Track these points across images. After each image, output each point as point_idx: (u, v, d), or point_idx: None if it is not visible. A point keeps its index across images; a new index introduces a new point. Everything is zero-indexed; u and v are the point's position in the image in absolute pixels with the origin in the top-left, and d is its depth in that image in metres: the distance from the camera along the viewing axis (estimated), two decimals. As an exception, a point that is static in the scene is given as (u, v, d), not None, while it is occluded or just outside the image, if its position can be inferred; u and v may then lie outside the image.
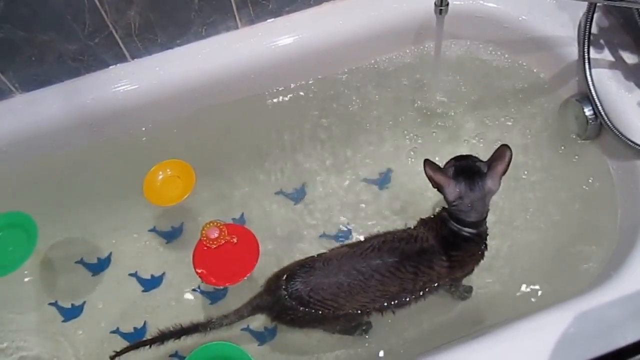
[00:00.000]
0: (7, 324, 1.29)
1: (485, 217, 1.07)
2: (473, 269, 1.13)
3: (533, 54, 1.43)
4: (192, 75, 1.39)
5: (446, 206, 1.07)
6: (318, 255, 1.12)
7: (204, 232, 1.15)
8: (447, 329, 1.20)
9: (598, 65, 1.26)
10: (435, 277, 1.08)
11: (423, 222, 1.13)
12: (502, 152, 1.00)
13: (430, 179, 1.02)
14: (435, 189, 1.04)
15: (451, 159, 1.06)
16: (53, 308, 1.30)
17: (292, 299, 1.06)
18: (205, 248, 1.15)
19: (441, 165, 1.04)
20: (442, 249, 1.07)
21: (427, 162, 1.00)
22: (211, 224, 1.16)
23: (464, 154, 1.07)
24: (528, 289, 1.20)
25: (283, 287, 1.07)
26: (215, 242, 1.15)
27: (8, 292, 1.32)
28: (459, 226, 1.05)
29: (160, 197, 1.27)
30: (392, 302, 1.09)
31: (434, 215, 1.13)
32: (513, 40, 1.44)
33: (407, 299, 1.10)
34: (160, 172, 1.30)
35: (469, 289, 1.23)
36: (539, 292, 1.19)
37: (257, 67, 1.42)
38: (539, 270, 1.23)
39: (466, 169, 1.03)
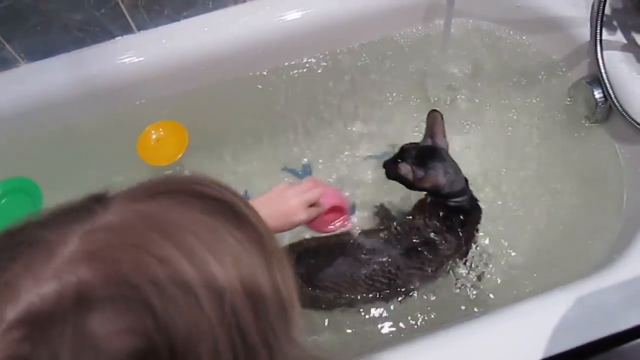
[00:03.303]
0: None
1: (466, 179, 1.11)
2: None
3: (544, 34, 1.40)
4: (198, 48, 1.37)
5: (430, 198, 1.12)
6: (323, 240, 1.12)
7: None
8: (449, 309, 1.20)
9: (610, 48, 1.25)
10: (443, 259, 1.09)
11: (421, 213, 1.13)
12: (434, 117, 1.09)
13: (429, 189, 1.08)
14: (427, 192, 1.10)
15: (399, 160, 1.08)
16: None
17: (299, 281, 1.06)
18: None
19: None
20: (449, 231, 1.07)
21: (423, 179, 1.05)
22: None
23: (406, 145, 1.12)
24: (531, 272, 1.20)
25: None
26: None
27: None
28: (456, 200, 1.07)
29: (154, 156, 1.28)
30: (400, 291, 1.10)
31: (425, 204, 1.15)
32: (524, 20, 1.42)
33: (415, 287, 1.12)
34: (153, 132, 1.32)
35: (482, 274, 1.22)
36: (542, 275, 1.19)
37: (264, 42, 1.41)
38: (543, 253, 1.23)
39: (423, 153, 1.06)
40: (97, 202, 0.41)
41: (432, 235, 1.08)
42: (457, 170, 1.09)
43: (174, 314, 0.36)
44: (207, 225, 0.41)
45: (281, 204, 0.85)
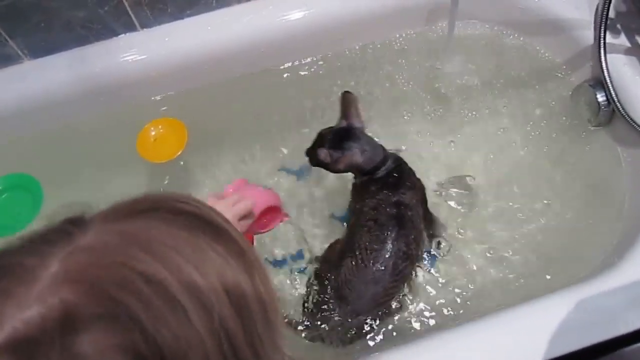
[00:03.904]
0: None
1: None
2: None
3: (547, 37, 1.40)
4: (201, 47, 1.37)
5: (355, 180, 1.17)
6: (332, 283, 1.10)
7: None
8: (447, 312, 1.20)
9: (613, 51, 1.24)
10: (418, 208, 1.14)
11: (363, 195, 1.15)
12: (347, 99, 1.12)
13: (350, 170, 1.11)
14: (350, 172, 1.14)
15: (318, 148, 1.10)
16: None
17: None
18: None
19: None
20: (400, 186, 1.12)
21: (339, 161, 1.08)
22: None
23: (323, 130, 1.15)
24: (532, 275, 1.20)
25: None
26: None
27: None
28: (381, 170, 1.12)
29: (154, 154, 1.29)
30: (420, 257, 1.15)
31: (358, 187, 1.18)
32: (527, 22, 1.41)
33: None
34: (153, 129, 1.32)
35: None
36: (543, 278, 1.18)
37: (266, 41, 1.41)
38: (544, 256, 1.22)
39: (338, 136, 1.10)
40: (74, 225, 0.40)
41: (394, 198, 1.10)
42: (374, 144, 1.11)
43: (163, 328, 0.36)
44: (189, 240, 0.42)
45: None
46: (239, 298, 0.41)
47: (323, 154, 1.09)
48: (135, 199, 0.45)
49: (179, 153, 1.28)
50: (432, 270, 1.20)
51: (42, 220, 1.33)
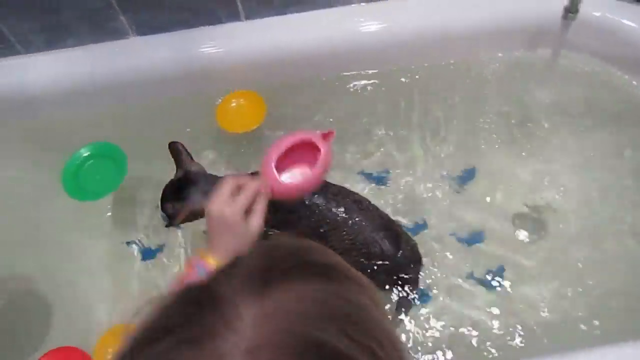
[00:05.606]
0: (83, 252, 1.35)
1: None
2: None
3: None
4: (299, 44, 1.39)
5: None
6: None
7: None
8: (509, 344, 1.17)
9: None
10: None
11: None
12: (174, 149, 1.13)
13: (199, 213, 1.07)
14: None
15: (164, 204, 1.12)
16: (128, 246, 1.34)
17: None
18: None
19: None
20: None
21: (184, 210, 1.08)
22: None
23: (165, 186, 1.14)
24: (608, 316, 1.15)
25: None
26: None
27: (91, 222, 1.38)
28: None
29: (232, 124, 1.35)
30: None
31: None
32: (631, 59, 1.37)
33: None
34: (234, 101, 1.38)
35: None
36: (622, 319, 1.14)
37: (356, 47, 1.41)
38: (622, 295, 1.18)
39: (177, 187, 1.11)
40: (213, 310, 0.37)
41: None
42: (214, 180, 1.10)
43: None
44: (360, 316, 0.39)
45: (227, 229, 0.72)
46: None
47: (170, 209, 1.11)
48: (274, 257, 0.41)
49: (256, 126, 1.32)
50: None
51: (124, 194, 1.38)
